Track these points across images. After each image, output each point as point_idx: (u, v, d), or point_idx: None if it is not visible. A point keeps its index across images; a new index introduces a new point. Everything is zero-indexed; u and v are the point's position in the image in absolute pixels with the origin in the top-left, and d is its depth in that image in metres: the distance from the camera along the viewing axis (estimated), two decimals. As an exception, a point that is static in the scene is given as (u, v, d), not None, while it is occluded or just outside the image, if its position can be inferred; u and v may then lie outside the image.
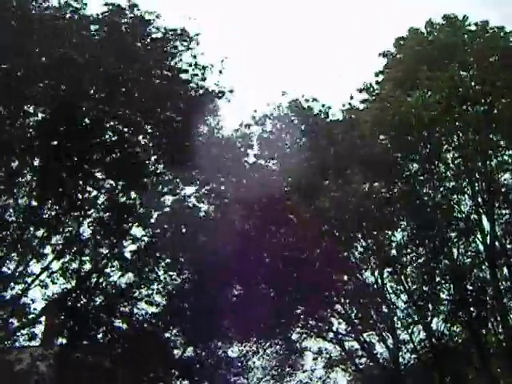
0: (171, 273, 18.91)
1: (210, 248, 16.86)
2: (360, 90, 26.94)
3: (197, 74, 18.05)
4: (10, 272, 17.93)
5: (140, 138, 16.92)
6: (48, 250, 18.50)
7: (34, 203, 17.83)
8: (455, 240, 25.39)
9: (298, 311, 22.78)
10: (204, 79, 18.12)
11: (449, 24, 26.28)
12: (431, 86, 24.13)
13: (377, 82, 27.06)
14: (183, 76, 17.71)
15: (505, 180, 25.65)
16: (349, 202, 21.74)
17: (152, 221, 18.22)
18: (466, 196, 25.67)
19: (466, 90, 24.30)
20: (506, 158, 25.48)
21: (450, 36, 25.45)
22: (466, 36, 25.59)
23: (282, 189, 18.83)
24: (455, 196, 25.66)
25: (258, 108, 21.63)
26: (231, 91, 18.37)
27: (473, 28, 25.86)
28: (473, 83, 24.57)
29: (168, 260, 18.73)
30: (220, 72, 18.18)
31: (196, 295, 18.63)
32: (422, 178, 25.35)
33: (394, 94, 24.56)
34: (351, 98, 24.97)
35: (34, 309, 18.20)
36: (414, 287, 25.46)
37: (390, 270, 25.27)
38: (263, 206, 17.40)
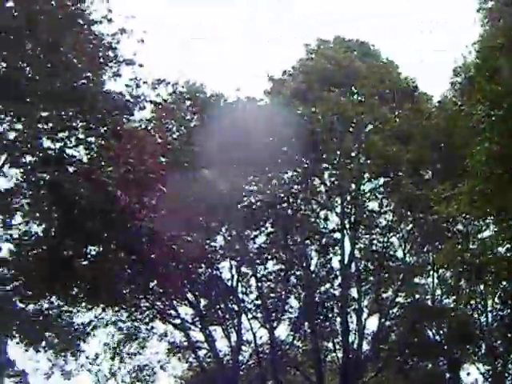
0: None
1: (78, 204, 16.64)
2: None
3: (114, 34, 17.39)
4: None
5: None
6: None
7: None
8: (315, 253, 26.45)
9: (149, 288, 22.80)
10: (118, 42, 17.58)
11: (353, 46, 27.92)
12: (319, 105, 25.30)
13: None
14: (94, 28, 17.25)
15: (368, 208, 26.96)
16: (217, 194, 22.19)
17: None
18: (334, 214, 26.77)
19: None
20: (374, 185, 26.84)
21: (355, 60, 26.94)
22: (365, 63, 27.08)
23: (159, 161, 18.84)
24: (323, 211, 26.68)
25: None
26: (141, 65, 17.99)
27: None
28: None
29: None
30: (142, 41, 17.61)
31: (51, 250, 18.18)
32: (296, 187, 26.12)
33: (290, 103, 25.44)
34: (237, 90, 25.57)
35: None
36: (265, 291, 26.15)
37: (246, 269, 25.93)
38: (138, 172, 17.29)
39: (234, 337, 25.85)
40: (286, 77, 27.99)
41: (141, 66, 17.69)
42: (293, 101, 25.72)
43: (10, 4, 15.60)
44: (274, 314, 26.06)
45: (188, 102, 23.76)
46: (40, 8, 15.25)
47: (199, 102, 24.31)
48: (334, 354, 27.23)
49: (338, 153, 26.39)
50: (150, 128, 20.55)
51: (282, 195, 25.65)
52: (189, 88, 23.84)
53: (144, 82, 18.00)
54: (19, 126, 17.39)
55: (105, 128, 17.30)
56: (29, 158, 17.66)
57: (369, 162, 26.37)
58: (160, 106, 19.50)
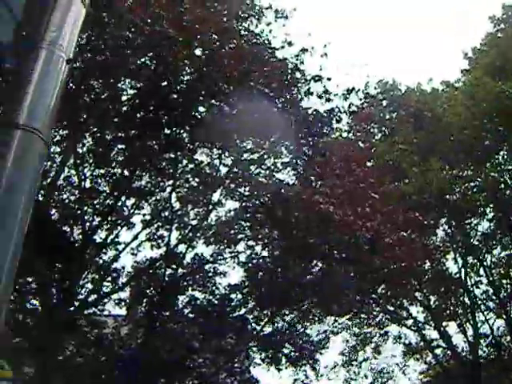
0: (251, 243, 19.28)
1: (295, 225, 17.08)
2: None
3: (297, 55, 17.70)
4: (101, 240, 18.61)
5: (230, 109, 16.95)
6: (138, 219, 19.11)
7: (127, 173, 18.39)
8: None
9: (378, 293, 22.77)
10: (302, 62, 17.80)
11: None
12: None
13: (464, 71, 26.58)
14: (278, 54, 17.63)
15: None
16: (430, 187, 21.73)
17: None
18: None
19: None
20: None
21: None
22: None
23: (366, 167, 18.79)
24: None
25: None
26: (329, 79, 17.95)
27: None
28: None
29: (250, 233, 19.12)
30: (325, 55, 17.67)
31: (277, 270, 18.95)
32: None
33: (483, 80, 24.11)
34: (430, 80, 24.84)
35: (127, 272, 19.02)
36: (496, 278, 25.07)
37: (472, 259, 25.05)
38: (348, 184, 17.37)
39: (470, 331, 25.14)
40: (477, 53, 26.73)
41: (329, 79, 17.77)
42: (488, 77, 24.42)
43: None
44: (510, 303, 24.90)
45: (384, 102, 23.52)
46: (226, 51, 15.83)
47: (395, 99, 24.05)
48: None
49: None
50: (350, 136, 20.60)
51: (497, 176, 24.59)
52: (382, 87, 23.62)
53: (335, 95, 18.03)
54: (229, 161, 18.32)
55: (306, 148, 17.65)
56: (242, 189, 18.58)
57: None
58: (356, 114, 19.41)
